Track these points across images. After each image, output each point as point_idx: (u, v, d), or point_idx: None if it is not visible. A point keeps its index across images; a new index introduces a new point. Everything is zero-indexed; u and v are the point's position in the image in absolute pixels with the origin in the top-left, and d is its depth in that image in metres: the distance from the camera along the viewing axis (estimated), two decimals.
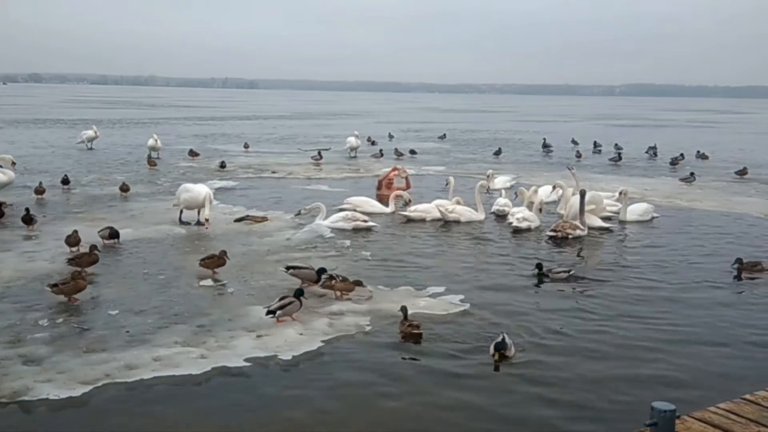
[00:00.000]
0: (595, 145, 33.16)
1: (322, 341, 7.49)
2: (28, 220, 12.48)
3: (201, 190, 13.42)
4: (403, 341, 7.58)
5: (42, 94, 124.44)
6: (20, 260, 10.42)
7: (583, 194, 13.57)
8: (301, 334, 7.64)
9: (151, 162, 22.72)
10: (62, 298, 8.46)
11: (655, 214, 15.37)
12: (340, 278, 9.07)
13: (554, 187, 16.92)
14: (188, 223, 13.42)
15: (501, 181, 19.42)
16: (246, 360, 6.93)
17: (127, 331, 7.59)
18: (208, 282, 9.50)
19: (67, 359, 6.79)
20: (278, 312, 7.87)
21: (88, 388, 6.21)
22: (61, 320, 7.85)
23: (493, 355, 7.00)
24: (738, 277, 10.42)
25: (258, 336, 7.55)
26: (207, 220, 13.01)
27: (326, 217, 13.63)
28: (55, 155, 25.31)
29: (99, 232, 11.61)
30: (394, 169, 18.67)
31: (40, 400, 6.01)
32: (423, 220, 14.42)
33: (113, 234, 11.56)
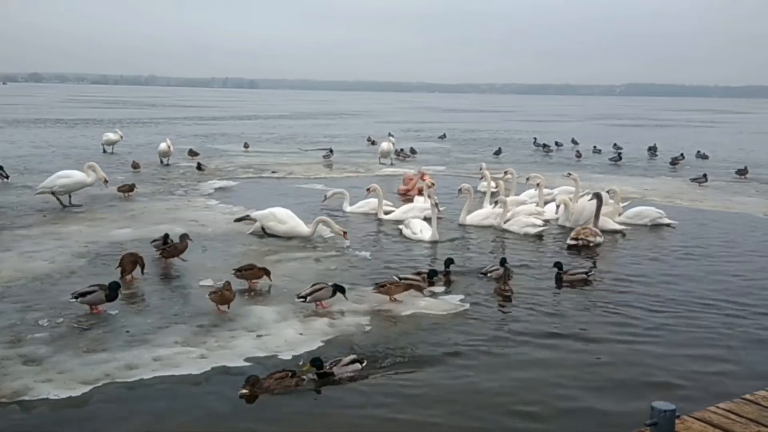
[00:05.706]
0: (557, 143, 33.76)
1: (323, 341, 7.49)
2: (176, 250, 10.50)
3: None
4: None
5: (42, 94, 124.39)
6: (20, 260, 10.42)
7: (599, 198, 13.26)
8: (301, 334, 7.64)
9: (135, 165, 21.76)
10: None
11: (668, 221, 14.41)
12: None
13: (528, 179, 16.31)
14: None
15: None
16: (246, 360, 6.93)
17: (127, 331, 7.59)
18: (208, 282, 9.49)
19: (67, 359, 6.79)
20: (309, 297, 8.23)
21: (88, 388, 6.22)
22: (61, 320, 7.85)
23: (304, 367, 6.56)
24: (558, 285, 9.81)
25: (258, 336, 7.55)
26: (345, 233, 11.99)
27: (351, 204, 15.19)
28: (55, 155, 25.28)
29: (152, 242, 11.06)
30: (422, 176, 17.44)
31: (40, 400, 6.01)
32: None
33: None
